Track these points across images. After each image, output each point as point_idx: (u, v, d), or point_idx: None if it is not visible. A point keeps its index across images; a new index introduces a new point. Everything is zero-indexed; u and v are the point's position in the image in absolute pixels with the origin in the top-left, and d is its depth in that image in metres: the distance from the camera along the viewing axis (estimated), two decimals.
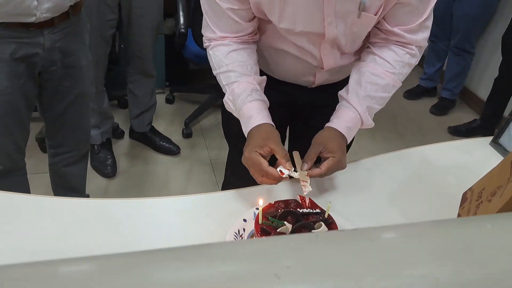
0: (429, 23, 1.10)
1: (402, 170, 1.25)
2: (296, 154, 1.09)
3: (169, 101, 3.24)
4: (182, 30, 2.63)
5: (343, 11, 1.04)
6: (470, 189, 1.00)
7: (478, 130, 3.08)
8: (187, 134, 2.89)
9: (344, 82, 1.19)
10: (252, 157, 1.02)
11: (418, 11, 1.06)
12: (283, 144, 1.11)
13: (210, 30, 1.13)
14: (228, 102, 1.14)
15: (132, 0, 2.20)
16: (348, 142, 1.11)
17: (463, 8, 3.06)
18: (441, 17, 3.15)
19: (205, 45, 1.18)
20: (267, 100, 1.13)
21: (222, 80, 1.14)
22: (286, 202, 0.98)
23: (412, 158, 1.30)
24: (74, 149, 1.80)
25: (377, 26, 1.12)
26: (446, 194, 1.13)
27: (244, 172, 1.08)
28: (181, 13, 2.64)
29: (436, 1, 1.09)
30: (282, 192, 1.12)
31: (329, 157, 1.04)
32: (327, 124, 1.12)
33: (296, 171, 1.02)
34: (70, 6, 1.48)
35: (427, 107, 3.46)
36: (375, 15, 1.05)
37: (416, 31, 1.10)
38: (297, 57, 1.18)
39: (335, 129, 1.09)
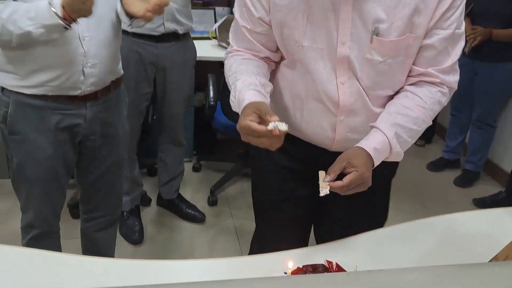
0: (457, 67, 1.18)
1: (427, 238, 1.26)
2: (321, 173, 1.11)
3: (196, 169, 3.32)
4: (212, 103, 2.78)
5: (357, 35, 1.11)
6: (495, 257, 1.02)
7: (503, 202, 3.04)
8: (212, 202, 2.94)
9: None
10: (242, 123, 1.03)
11: (447, 52, 1.14)
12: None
13: (230, 44, 1.27)
14: (232, 99, 1.16)
15: (167, 75, 2.35)
16: (375, 166, 1.12)
17: (485, 83, 3.12)
18: (463, 91, 3.21)
19: (225, 56, 1.29)
20: (267, 95, 1.14)
21: (230, 81, 1.21)
22: (314, 267, 1.01)
23: (437, 226, 1.32)
24: (107, 214, 1.86)
25: (410, 75, 1.19)
26: (472, 262, 1.13)
27: (271, 249, 1.11)
28: (211, 87, 2.81)
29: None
30: (310, 256, 1.14)
31: (352, 171, 1.07)
32: (355, 145, 1.14)
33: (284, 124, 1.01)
34: (112, 80, 1.60)
35: (450, 179, 3.45)
36: (389, 41, 1.10)
37: (448, 72, 1.17)
38: (315, 99, 1.21)
39: (362, 148, 1.12)
